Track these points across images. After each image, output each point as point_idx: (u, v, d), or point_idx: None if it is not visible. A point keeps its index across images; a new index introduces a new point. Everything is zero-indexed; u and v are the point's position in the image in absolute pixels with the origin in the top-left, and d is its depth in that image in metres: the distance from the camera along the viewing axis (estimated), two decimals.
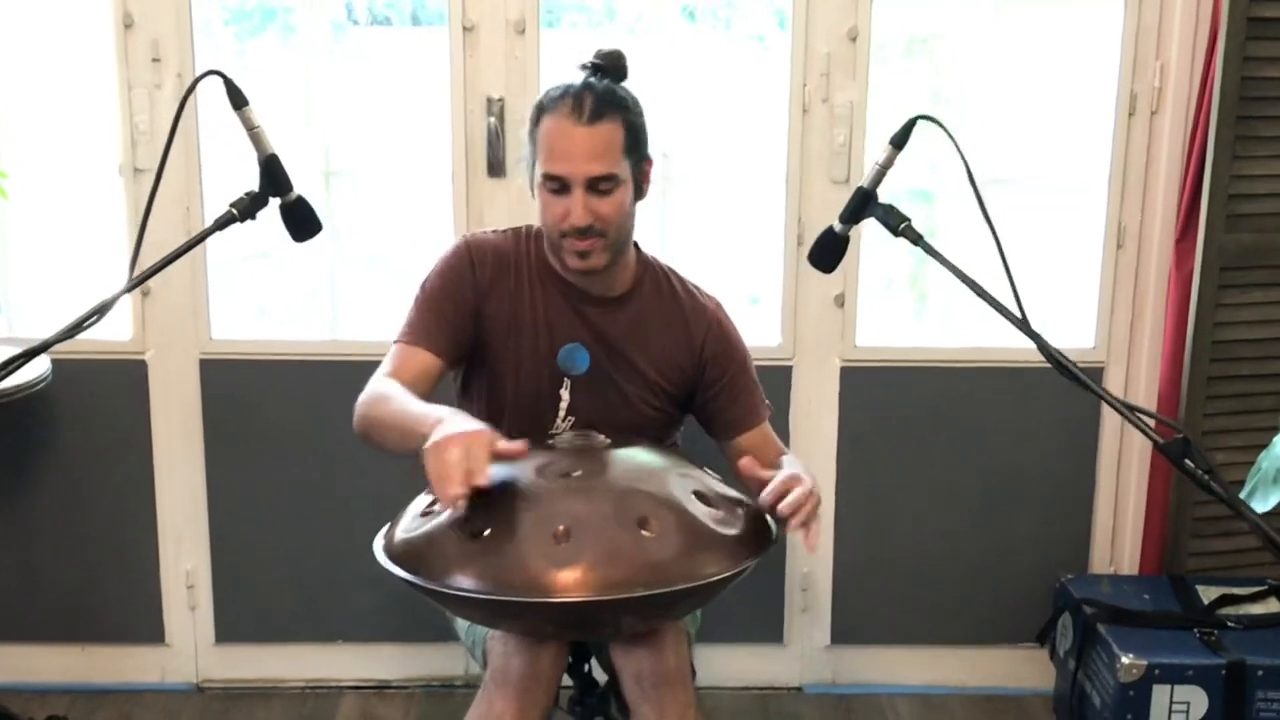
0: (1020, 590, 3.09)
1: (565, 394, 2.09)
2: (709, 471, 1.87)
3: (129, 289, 1.64)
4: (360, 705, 3.01)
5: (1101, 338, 3.00)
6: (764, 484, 1.81)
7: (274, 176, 1.74)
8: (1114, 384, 3.02)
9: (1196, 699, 2.46)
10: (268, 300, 2.96)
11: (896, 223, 1.68)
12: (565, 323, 2.09)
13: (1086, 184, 2.95)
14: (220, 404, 2.93)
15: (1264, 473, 2.12)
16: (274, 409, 2.95)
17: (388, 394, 1.93)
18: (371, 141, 2.87)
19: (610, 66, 2.02)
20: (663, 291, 2.15)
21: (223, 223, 1.69)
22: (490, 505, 1.68)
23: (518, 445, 1.69)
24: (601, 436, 1.87)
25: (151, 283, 2.84)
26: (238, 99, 1.68)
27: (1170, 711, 2.45)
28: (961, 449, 3.04)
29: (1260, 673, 2.46)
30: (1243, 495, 2.19)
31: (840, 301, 2.94)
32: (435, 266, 2.10)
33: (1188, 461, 1.52)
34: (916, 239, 1.67)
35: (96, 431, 2.93)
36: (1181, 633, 2.60)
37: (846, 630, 3.11)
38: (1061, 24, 2.95)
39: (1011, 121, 2.97)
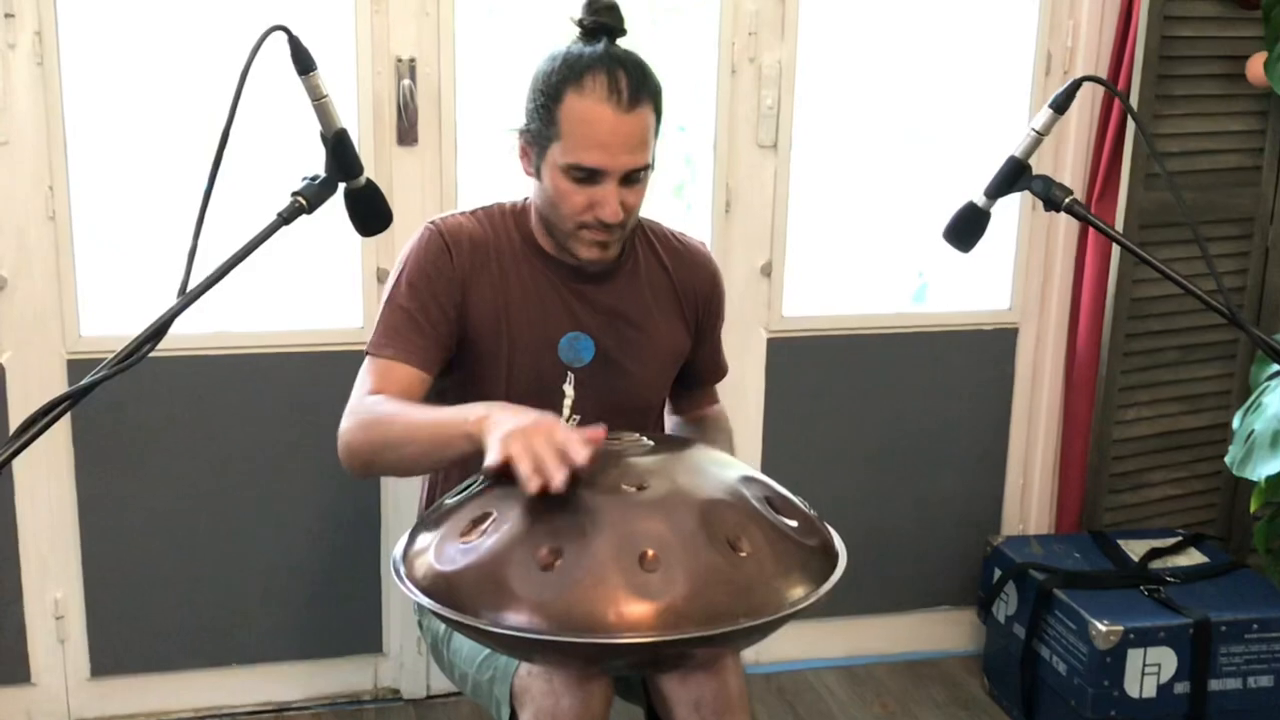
0: (936, 554, 3.08)
1: (570, 389, 1.89)
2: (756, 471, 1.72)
3: (185, 304, 1.33)
4: None
5: (1017, 300, 3.00)
6: None
7: (343, 157, 1.47)
8: (1026, 345, 3.04)
9: (1167, 660, 2.48)
10: (143, 291, 2.59)
11: (1061, 196, 1.54)
12: (561, 307, 1.89)
13: (1003, 145, 2.91)
14: (91, 410, 2.56)
15: (1258, 437, 2.12)
16: (153, 413, 2.60)
17: (391, 411, 1.73)
18: (262, 108, 2.53)
19: (611, 24, 1.80)
20: (656, 248, 1.98)
21: (288, 215, 1.41)
22: (554, 526, 1.48)
23: (595, 430, 1.54)
24: (640, 436, 1.69)
25: (8, 274, 2.47)
26: (304, 62, 1.41)
27: (1143, 674, 2.47)
28: (877, 418, 2.99)
29: (1223, 628, 2.50)
30: (1232, 463, 2.19)
31: (767, 271, 2.82)
32: (404, 261, 1.87)
33: None
34: (1084, 215, 1.55)
35: None
36: (1130, 592, 2.62)
37: None
38: None
39: (934, 82, 2.90)
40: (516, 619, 1.44)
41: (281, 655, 2.78)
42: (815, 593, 1.52)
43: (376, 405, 1.76)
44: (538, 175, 1.82)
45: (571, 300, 1.89)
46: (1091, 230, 2.90)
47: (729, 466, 1.66)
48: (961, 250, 1.72)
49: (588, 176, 1.75)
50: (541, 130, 1.77)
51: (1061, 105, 1.54)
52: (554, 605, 1.43)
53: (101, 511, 2.62)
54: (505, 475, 1.50)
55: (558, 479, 1.44)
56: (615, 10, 1.82)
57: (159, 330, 1.29)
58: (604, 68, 1.73)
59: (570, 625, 1.41)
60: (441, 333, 1.84)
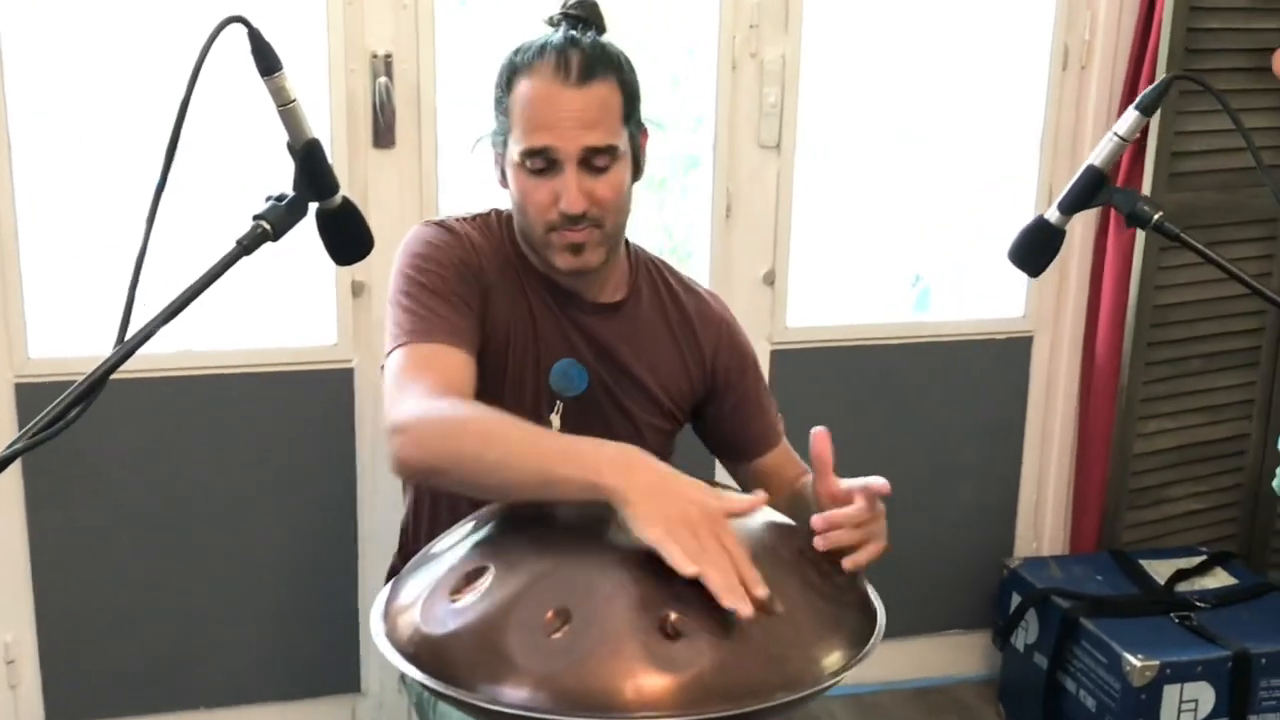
0: (947, 574, 2.93)
1: (556, 419, 1.71)
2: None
3: (123, 356, 1.14)
4: None
5: (1031, 306, 2.84)
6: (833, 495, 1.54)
7: (315, 172, 1.26)
8: (1041, 354, 2.88)
9: (1204, 695, 2.34)
10: (98, 309, 2.40)
11: (1149, 213, 1.37)
12: (557, 334, 1.71)
13: (1017, 146, 2.76)
14: None
15: None
16: (111, 441, 2.40)
17: (488, 422, 1.42)
18: (226, 108, 2.35)
19: (587, 18, 1.65)
20: (661, 293, 1.80)
21: (249, 244, 1.21)
22: (561, 584, 1.31)
23: (756, 499, 1.37)
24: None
25: None
26: (268, 61, 1.21)
27: (1179, 711, 2.32)
28: (886, 433, 2.83)
29: (1263, 661, 2.35)
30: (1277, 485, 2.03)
31: (770, 280, 2.65)
32: (415, 251, 1.64)
33: None
34: (1175, 235, 1.38)
35: None
36: (1159, 619, 2.47)
37: None
38: None
39: (944, 78, 2.74)
40: (518, 695, 1.25)
41: (252, 697, 2.60)
42: (855, 658, 1.34)
43: (463, 409, 1.47)
44: (504, 180, 1.65)
45: (569, 328, 1.72)
46: (1111, 232, 2.74)
47: (759, 514, 1.48)
48: (1030, 274, 1.53)
49: (546, 166, 1.58)
50: (499, 127, 1.62)
51: (1149, 107, 1.37)
52: (562, 679, 1.24)
53: (55, 547, 2.43)
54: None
55: (746, 613, 1.23)
56: (592, 6, 1.66)
57: (90, 389, 1.10)
58: (554, 47, 1.58)
59: (581, 703, 1.23)
60: (476, 317, 1.62)
